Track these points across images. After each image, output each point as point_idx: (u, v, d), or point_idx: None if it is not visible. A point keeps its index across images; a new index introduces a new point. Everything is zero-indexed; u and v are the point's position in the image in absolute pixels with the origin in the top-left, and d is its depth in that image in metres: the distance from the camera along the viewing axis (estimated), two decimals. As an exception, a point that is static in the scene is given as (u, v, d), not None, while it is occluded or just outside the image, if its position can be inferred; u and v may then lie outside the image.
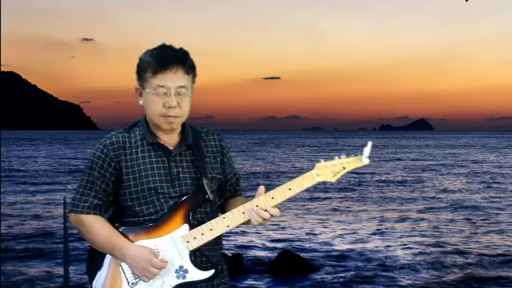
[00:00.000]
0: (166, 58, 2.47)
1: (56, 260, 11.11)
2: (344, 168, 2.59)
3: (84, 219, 2.53)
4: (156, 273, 2.47)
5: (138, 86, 2.55)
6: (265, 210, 2.51)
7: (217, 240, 2.62)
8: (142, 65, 2.50)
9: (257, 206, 2.52)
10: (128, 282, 2.52)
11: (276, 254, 10.64)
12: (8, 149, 65.17)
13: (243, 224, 2.61)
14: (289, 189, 2.55)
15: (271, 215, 2.52)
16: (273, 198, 2.53)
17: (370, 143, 2.58)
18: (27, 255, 11.56)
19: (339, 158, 2.60)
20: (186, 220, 2.51)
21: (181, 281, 2.51)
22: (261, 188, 2.55)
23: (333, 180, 2.59)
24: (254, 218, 2.51)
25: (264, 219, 2.52)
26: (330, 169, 2.58)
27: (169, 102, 2.48)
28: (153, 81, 2.47)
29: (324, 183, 2.62)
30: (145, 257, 2.45)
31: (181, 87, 2.49)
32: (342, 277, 9.88)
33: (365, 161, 2.59)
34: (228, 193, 2.71)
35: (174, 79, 2.47)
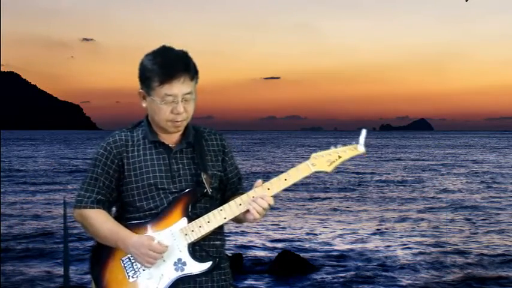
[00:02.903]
0: (172, 67, 2.50)
1: (56, 260, 11.11)
2: (340, 157, 2.60)
3: (87, 214, 2.59)
4: (156, 257, 2.51)
5: (141, 91, 2.59)
6: (262, 199, 2.54)
7: (217, 236, 2.65)
8: (147, 73, 2.53)
9: (253, 197, 2.56)
10: (129, 276, 2.56)
11: (276, 254, 10.64)
12: (8, 149, 65.19)
13: (241, 221, 2.65)
14: (285, 179, 2.58)
15: (268, 204, 2.55)
16: (269, 189, 2.57)
17: (364, 131, 2.58)
18: (27, 255, 11.56)
19: (335, 147, 2.61)
20: (185, 214, 2.56)
21: (179, 273, 2.55)
22: (258, 181, 2.59)
23: (329, 169, 2.59)
24: (253, 206, 2.54)
25: (263, 208, 2.55)
26: (326, 158, 2.60)
27: (178, 109, 2.53)
28: (160, 91, 2.51)
29: (321, 173, 2.60)
30: (145, 243, 2.50)
31: (188, 93, 2.54)
32: (342, 277, 9.88)
33: (361, 149, 2.58)
34: (230, 191, 2.74)
35: (181, 88, 2.52)
